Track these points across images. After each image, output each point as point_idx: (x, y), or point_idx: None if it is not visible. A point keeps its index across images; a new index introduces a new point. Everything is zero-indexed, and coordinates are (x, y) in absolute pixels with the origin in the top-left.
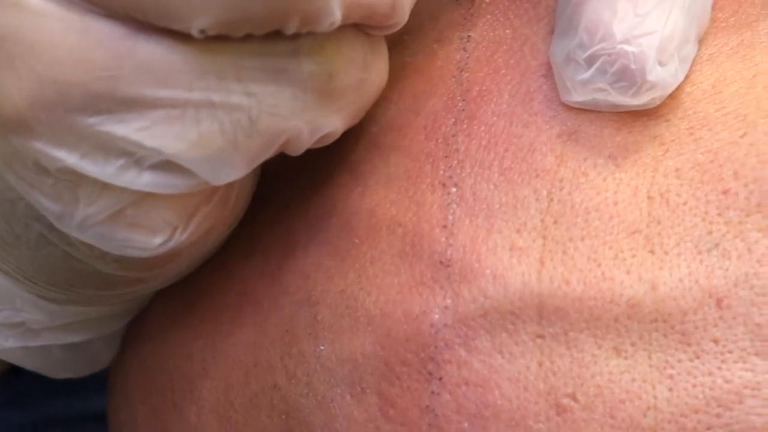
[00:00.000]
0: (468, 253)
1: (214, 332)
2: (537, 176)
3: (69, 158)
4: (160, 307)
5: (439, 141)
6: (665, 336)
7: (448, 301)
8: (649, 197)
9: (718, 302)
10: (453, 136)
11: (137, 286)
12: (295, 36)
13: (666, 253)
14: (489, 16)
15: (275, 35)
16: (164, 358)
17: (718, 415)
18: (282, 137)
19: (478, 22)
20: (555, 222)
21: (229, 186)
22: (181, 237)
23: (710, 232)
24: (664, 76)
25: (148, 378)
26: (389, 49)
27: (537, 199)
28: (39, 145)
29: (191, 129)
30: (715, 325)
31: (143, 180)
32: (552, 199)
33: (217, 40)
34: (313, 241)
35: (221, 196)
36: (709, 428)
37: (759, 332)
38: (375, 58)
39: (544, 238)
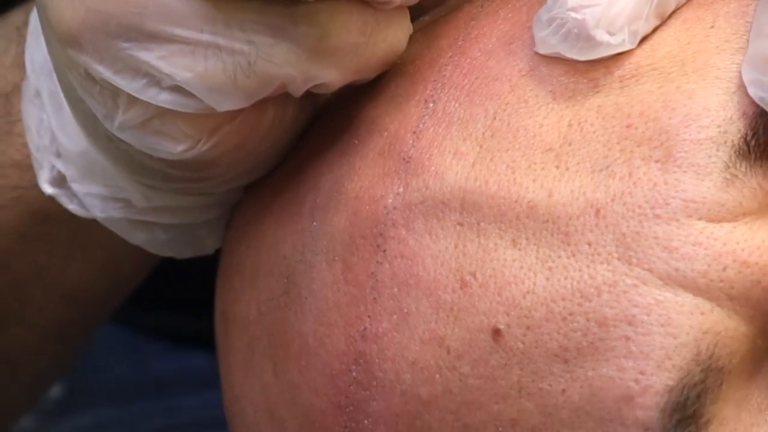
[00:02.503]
0: (424, 154)
1: (261, 217)
2: (491, 99)
3: (106, 72)
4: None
5: (435, 69)
6: (552, 235)
7: (401, 189)
8: (569, 125)
9: (597, 212)
10: (446, 65)
11: (200, 182)
12: (295, 1)
13: (567, 169)
14: None
15: None
16: (231, 239)
17: (579, 304)
18: (276, 81)
19: None
20: (492, 135)
21: (257, 111)
22: (203, 147)
23: (606, 156)
24: (609, 41)
25: (223, 258)
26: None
27: (485, 117)
28: (86, 59)
29: (199, 63)
30: (591, 231)
31: (162, 97)
32: (495, 118)
33: None
34: (332, 143)
35: (248, 118)
36: (571, 314)
37: (623, 240)
38: (381, 27)
39: (481, 147)
